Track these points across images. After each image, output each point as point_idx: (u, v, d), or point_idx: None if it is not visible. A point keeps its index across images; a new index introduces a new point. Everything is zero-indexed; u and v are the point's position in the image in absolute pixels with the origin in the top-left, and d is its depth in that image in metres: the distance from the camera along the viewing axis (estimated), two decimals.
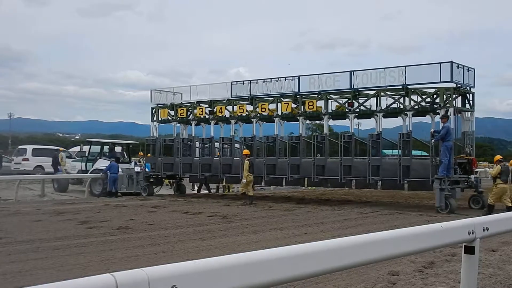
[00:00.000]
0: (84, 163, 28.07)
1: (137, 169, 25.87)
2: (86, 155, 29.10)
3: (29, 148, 37.07)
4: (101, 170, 25.83)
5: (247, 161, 19.75)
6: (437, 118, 18.44)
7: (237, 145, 22.98)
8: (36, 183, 27.85)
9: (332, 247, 3.50)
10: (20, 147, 40.14)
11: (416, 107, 18.74)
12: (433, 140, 17.80)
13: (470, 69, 18.55)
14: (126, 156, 29.47)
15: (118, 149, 29.82)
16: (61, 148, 35.22)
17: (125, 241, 10.48)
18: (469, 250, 4.84)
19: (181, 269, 2.57)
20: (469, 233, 4.73)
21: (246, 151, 20.69)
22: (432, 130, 18.21)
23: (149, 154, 26.37)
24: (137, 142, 34.30)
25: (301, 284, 6.33)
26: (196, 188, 28.09)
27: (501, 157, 17.21)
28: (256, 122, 22.47)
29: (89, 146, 29.87)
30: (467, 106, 19.00)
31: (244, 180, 19.84)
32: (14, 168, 34.48)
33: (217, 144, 23.99)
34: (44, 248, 9.53)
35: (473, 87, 18.88)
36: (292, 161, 20.29)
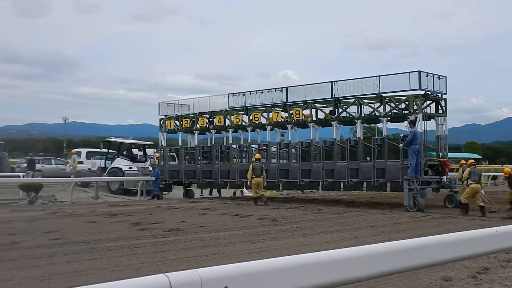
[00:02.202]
0: (104, 161, 30.89)
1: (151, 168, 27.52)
2: (106, 153, 32.09)
3: (83, 151, 38.06)
4: (119, 169, 28.88)
5: (251, 165, 21.32)
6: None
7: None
8: (90, 185, 28.65)
9: (383, 250, 3.48)
10: (74, 150, 41.20)
11: (390, 113, 19.72)
12: (401, 145, 18.91)
13: (441, 77, 19.57)
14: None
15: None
16: (74, 151, 36.50)
17: (176, 243, 10.62)
18: None
19: (233, 270, 2.60)
20: None
21: (257, 156, 22.10)
22: (402, 135, 19.57)
23: (157, 155, 28.46)
24: (152, 143, 35.53)
25: None
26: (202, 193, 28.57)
27: (473, 160, 18.61)
28: (251, 131, 24.16)
29: (108, 146, 33.12)
30: (440, 111, 19.90)
31: (248, 183, 21.72)
32: (69, 171, 35.41)
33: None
34: (98, 249, 9.75)
35: (445, 93, 19.90)
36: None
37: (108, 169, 29.70)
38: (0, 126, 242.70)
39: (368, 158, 20.56)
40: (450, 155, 22.15)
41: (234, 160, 25.14)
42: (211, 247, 10.12)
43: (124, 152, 31.03)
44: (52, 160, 41.24)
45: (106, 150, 33.33)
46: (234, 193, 27.77)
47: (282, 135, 24.35)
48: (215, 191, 27.18)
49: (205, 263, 8.25)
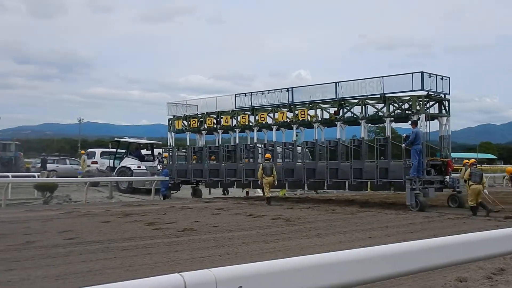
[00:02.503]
0: (112, 161, 31.48)
1: (159, 167, 27.85)
2: (114, 153, 32.69)
3: (98, 151, 38.32)
4: (127, 168, 29.50)
5: (261, 164, 21.77)
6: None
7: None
8: (104, 185, 28.83)
9: (398, 251, 3.46)
10: (89, 150, 41.49)
11: (393, 114, 20.00)
12: (403, 144, 19.18)
13: (444, 77, 19.69)
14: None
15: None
16: (83, 151, 36.95)
17: (190, 243, 10.64)
18: None
19: (247, 270, 2.61)
20: None
21: (267, 155, 22.43)
22: (404, 135, 19.83)
23: (166, 154, 29.03)
24: (160, 143, 35.74)
25: None
26: (211, 193, 28.73)
27: (475, 160, 18.66)
28: (258, 131, 24.39)
29: (116, 145, 33.61)
30: (444, 112, 20.06)
31: (258, 183, 22.04)
32: (79, 171, 35.64)
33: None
34: (112, 249, 9.81)
35: (448, 94, 20.13)
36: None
37: (117, 168, 30.16)
38: (15, 126, 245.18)
39: (382, 158, 20.48)
40: (464, 155, 22.05)
41: (246, 160, 25.22)
42: (225, 247, 10.13)
43: (133, 152, 31.40)
44: (67, 160, 41.59)
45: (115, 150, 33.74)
46: (247, 193, 27.81)
47: (297, 135, 24.36)
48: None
49: (219, 263, 8.26)
